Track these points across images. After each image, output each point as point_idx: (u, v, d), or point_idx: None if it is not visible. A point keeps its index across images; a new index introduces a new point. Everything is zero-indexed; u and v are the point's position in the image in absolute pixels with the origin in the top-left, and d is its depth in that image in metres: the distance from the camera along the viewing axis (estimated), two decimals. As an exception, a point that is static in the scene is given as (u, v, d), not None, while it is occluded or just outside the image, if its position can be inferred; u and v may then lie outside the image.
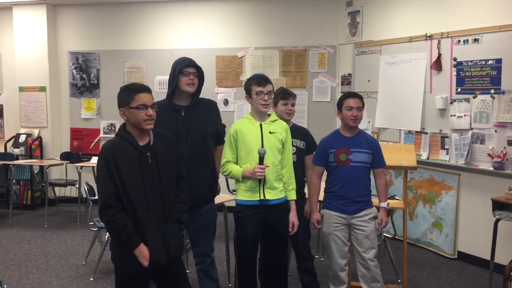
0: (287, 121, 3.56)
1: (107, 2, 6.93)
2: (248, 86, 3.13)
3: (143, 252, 2.49)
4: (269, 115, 3.17)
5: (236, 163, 3.12)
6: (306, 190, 3.67)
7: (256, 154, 3.01)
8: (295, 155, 3.53)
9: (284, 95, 3.55)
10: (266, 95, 3.05)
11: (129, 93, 2.54)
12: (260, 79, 3.09)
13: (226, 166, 3.11)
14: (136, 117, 2.52)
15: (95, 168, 2.61)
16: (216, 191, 3.42)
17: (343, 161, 3.30)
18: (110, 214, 2.47)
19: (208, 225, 3.33)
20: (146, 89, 2.58)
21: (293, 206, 3.19)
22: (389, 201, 3.48)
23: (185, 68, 3.14)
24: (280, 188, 3.12)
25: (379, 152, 3.39)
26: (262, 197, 3.04)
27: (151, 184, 2.53)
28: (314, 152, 3.53)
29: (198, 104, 3.25)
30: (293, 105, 3.58)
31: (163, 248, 2.53)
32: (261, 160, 2.99)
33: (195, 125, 3.14)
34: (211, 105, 3.35)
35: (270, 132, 3.09)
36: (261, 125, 3.09)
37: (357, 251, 3.33)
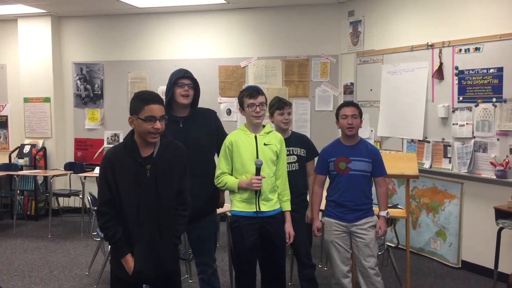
0: (285, 130, 3.57)
1: (111, 13, 7.00)
2: (240, 99, 3.12)
3: (127, 263, 2.52)
4: (264, 126, 3.17)
5: (231, 174, 3.11)
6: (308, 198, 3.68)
7: (251, 166, 3.01)
8: (297, 163, 3.54)
9: (280, 104, 3.57)
10: (258, 106, 3.04)
11: (140, 103, 2.49)
12: (252, 91, 3.08)
13: (221, 178, 3.10)
14: (142, 128, 2.48)
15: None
16: (218, 202, 3.42)
17: (343, 169, 3.33)
18: (103, 221, 2.52)
19: (209, 236, 3.33)
20: (158, 101, 2.51)
21: (288, 217, 3.18)
22: (392, 210, 3.49)
23: (180, 79, 3.15)
24: (275, 199, 3.12)
25: (379, 161, 3.40)
26: (257, 209, 3.04)
27: (145, 198, 2.50)
28: (316, 159, 3.55)
29: (196, 114, 3.25)
30: (289, 114, 3.60)
31: (152, 261, 2.52)
32: (257, 171, 2.99)
33: (193, 136, 3.13)
34: (209, 114, 3.35)
35: (264, 144, 3.08)
36: (256, 137, 3.09)
37: (358, 259, 3.34)
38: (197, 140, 3.15)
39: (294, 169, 3.52)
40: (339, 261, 3.35)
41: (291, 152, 3.52)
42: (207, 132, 3.25)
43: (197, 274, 3.43)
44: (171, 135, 2.97)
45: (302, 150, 3.61)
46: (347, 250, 3.36)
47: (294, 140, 3.58)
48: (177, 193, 2.62)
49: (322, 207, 3.53)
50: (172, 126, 3.12)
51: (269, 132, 3.16)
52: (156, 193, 2.52)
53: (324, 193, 3.51)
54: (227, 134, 3.32)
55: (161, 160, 2.56)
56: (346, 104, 3.43)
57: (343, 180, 3.31)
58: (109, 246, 4.20)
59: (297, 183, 3.49)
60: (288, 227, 3.17)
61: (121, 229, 2.51)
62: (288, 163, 3.47)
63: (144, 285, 2.69)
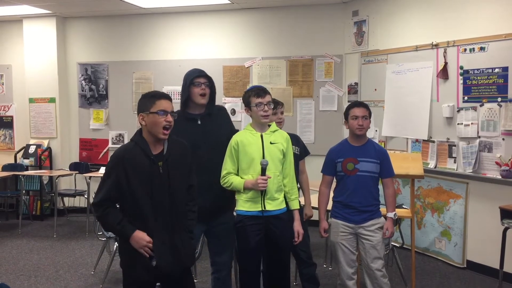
0: None
1: (116, 14, 7.02)
2: (247, 99, 3.12)
3: (140, 237, 2.51)
4: (269, 125, 3.17)
5: (237, 174, 3.12)
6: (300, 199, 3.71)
7: (257, 165, 3.01)
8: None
9: (273, 104, 3.60)
10: (265, 105, 3.05)
11: (150, 99, 2.57)
12: (259, 91, 3.09)
13: (227, 178, 3.10)
14: (155, 122, 2.53)
15: (105, 167, 2.66)
16: (235, 198, 3.43)
17: (350, 170, 3.30)
18: (102, 209, 2.54)
19: (229, 234, 3.28)
20: (167, 97, 2.62)
21: (296, 216, 3.18)
22: (397, 210, 3.47)
23: (196, 78, 3.17)
24: (281, 199, 3.11)
25: (387, 162, 3.38)
26: (263, 208, 3.04)
27: (159, 194, 2.55)
28: (306, 157, 3.65)
29: (212, 112, 3.27)
30: (282, 113, 3.67)
31: (171, 256, 2.56)
32: (263, 171, 2.99)
33: (212, 133, 3.17)
34: (222, 111, 3.39)
35: (271, 143, 3.09)
36: (262, 136, 3.09)
37: (364, 261, 3.33)
38: (216, 137, 3.18)
39: None
40: (345, 263, 3.34)
41: None
42: (223, 128, 3.28)
43: (211, 272, 3.39)
44: (190, 132, 3.01)
45: (297, 148, 3.68)
46: (353, 252, 3.35)
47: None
48: (187, 188, 2.69)
49: (329, 207, 3.52)
50: (189, 123, 3.15)
51: (275, 131, 3.16)
52: (169, 189, 2.57)
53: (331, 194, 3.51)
54: (237, 130, 3.36)
55: (172, 157, 2.61)
56: (356, 104, 3.37)
57: (350, 181, 3.29)
58: (115, 247, 4.24)
59: None
60: (297, 226, 3.17)
61: (121, 212, 2.55)
62: None
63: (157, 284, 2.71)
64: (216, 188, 3.11)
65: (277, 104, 3.63)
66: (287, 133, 3.74)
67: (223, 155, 3.17)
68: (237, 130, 3.35)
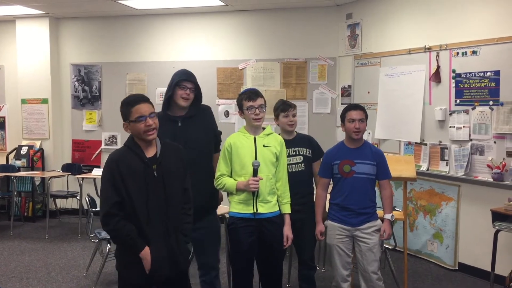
0: (291, 132, 3.59)
1: (109, 15, 7.00)
2: (239, 102, 3.14)
3: (148, 255, 2.51)
4: (263, 128, 3.18)
5: (230, 176, 3.12)
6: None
7: (250, 167, 3.01)
8: (303, 164, 3.54)
9: (284, 107, 3.59)
10: (257, 109, 3.06)
11: (127, 107, 2.56)
12: (250, 94, 3.09)
13: (220, 179, 3.11)
14: (136, 129, 2.54)
15: (100, 177, 2.63)
16: (218, 199, 3.44)
17: (347, 172, 3.30)
18: (113, 223, 2.49)
19: (213, 236, 3.31)
20: (142, 100, 2.57)
21: (287, 220, 3.17)
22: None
23: (183, 81, 3.15)
24: (274, 202, 3.11)
25: (384, 164, 3.38)
26: (255, 211, 3.04)
27: (155, 198, 2.54)
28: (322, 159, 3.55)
29: (195, 112, 3.25)
30: (294, 115, 3.61)
31: (167, 261, 2.55)
32: (255, 173, 3.00)
33: (193, 134, 3.15)
34: (206, 111, 3.36)
35: (264, 146, 3.09)
36: (255, 139, 3.10)
37: (360, 263, 3.33)
38: (197, 139, 3.16)
39: (300, 169, 3.52)
40: (340, 265, 3.34)
41: (297, 153, 3.53)
42: (205, 128, 3.27)
43: (198, 276, 3.40)
44: (170, 134, 2.98)
45: (308, 150, 3.60)
46: (348, 254, 3.35)
47: (299, 140, 3.59)
48: (183, 191, 2.67)
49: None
50: (170, 125, 3.13)
51: (269, 134, 3.17)
52: (164, 192, 2.56)
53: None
54: (220, 132, 3.43)
55: (165, 160, 2.61)
56: (353, 107, 3.37)
57: (347, 183, 3.29)
58: (108, 249, 4.22)
59: (303, 183, 3.51)
60: (287, 230, 3.16)
61: (133, 226, 2.51)
62: (294, 163, 3.49)
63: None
64: (199, 189, 3.05)
65: (288, 106, 3.59)
66: (302, 134, 3.74)
67: (205, 156, 3.19)
68: (221, 132, 3.42)
